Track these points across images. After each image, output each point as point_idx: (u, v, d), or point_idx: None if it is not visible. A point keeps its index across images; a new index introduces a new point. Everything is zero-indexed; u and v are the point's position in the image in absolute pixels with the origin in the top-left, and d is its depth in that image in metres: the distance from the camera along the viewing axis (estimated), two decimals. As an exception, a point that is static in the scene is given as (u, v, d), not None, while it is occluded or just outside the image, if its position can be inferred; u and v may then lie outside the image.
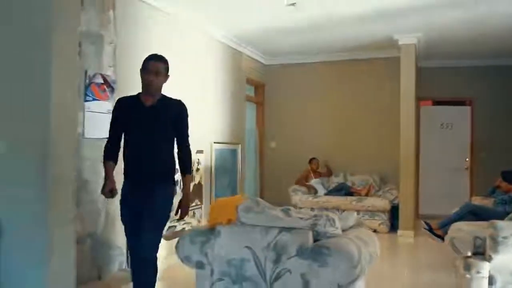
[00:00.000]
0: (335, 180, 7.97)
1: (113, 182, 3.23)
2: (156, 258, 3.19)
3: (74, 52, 2.81)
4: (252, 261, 2.93)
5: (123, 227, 3.33)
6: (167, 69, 3.28)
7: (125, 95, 3.46)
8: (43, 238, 2.49)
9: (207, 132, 6.43)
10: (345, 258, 2.68)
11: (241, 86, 7.69)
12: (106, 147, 3.33)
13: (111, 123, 3.34)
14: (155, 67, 3.20)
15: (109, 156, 3.31)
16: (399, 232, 6.86)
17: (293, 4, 5.51)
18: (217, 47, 6.88)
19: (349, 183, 7.77)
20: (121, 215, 3.33)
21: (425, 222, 5.44)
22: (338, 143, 8.29)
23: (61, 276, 2.55)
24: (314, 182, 7.85)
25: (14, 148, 2.60)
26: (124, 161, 3.28)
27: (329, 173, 8.17)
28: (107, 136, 3.36)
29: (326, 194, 7.58)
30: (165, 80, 3.28)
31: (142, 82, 3.22)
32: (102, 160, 3.30)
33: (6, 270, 2.59)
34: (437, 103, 9.15)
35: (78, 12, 2.97)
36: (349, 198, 7.24)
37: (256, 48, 7.99)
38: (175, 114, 3.30)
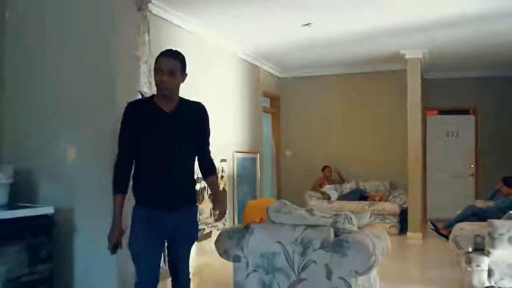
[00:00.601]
0: (348, 186, 8.47)
1: (121, 228, 2.66)
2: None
3: (134, 71, 3.35)
4: (282, 254, 3.45)
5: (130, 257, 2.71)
6: (183, 67, 2.73)
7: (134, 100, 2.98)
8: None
9: (229, 142, 6.97)
10: (362, 250, 3.20)
11: (258, 99, 8.25)
12: (116, 172, 2.66)
13: (122, 137, 2.67)
14: (169, 66, 2.66)
15: (120, 186, 2.65)
16: (408, 234, 7.35)
17: (308, 24, 6.07)
18: (237, 63, 7.45)
19: (361, 188, 8.29)
20: (135, 248, 2.66)
21: (432, 223, 5.93)
22: (350, 151, 8.79)
23: (128, 266, 3.08)
24: (327, 188, 8.36)
25: (88, 155, 3.14)
26: (135, 184, 2.69)
27: (341, 180, 8.67)
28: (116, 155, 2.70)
29: (339, 199, 8.08)
30: (182, 80, 2.73)
31: (155, 83, 2.71)
32: (113, 193, 2.65)
33: (81, 260, 3.13)
34: (443, 112, 9.62)
35: (136, 37, 3.49)
36: (361, 202, 7.74)
37: (272, 63, 8.55)
38: (198, 119, 2.85)
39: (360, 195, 8.03)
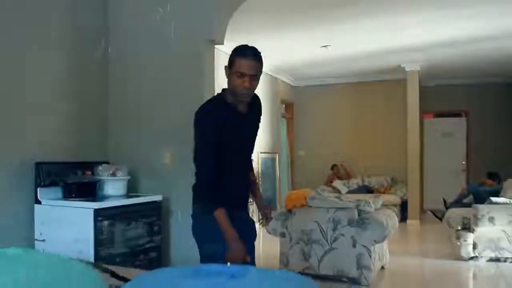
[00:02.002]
0: (355, 181, 9.68)
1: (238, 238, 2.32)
2: None
3: (212, 89, 4.45)
4: (318, 230, 4.65)
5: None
6: (262, 68, 2.46)
7: (206, 104, 2.59)
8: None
9: (256, 144, 8.14)
10: (379, 225, 4.41)
11: (277, 106, 9.44)
12: (212, 187, 2.37)
13: (210, 144, 2.36)
14: (253, 70, 2.38)
15: (220, 199, 2.36)
16: (408, 221, 8.57)
17: (326, 46, 7.28)
18: (262, 77, 8.63)
19: (366, 183, 9.51)
20: (213, 255, 2.35)
21: (429, 210, 7.20)
22: (356, 151, 10.01)
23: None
24: (337, 183, 9.56)
25: (184, 159, 4.31)
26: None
27: (349, 176, 9.88)
28: (203, 167, 2.40)
29: (347, 193, 9.29)
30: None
31: (233, 86, 2.41)
32: (214, 209, 2.34)
33: (175, 233, 4.31)
34: (438, 115, 10.83)
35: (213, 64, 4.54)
36: (368, 195, 8.93)
37: (289, 74, 9.75)
38: (259, 114, 2.71)
39: (367, 190, 9.23)
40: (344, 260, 4.52)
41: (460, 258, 5.50)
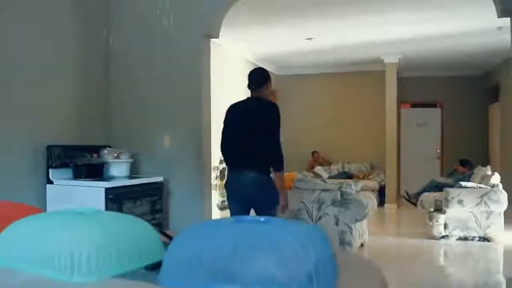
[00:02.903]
0: (335, 167, 10.14)
1: None
2: None
3: (209, 88, 4.82)
4: (304, 209, 5.07)
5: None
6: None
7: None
8: (197, 196, 4.58)
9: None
10: (360, 204, 4.85)
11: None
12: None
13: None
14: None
15: None
16: (386, 205, 9.08)
17: (310, 39, 7.66)
18: (242, 64, 8.99)
19: (346, 169, 9.98)
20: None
21: (402, 196, 7.68)
22: (336, 138, 10.46)
23: (207, 216, 4.65)
24: (318, 169, 10.01)
25: (181, 144, 4.67)
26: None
27: (328, 162, 10.34)
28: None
29: (328, 178, 9.74)
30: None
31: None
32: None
33: (174, 216, 4.68)
34: (414, 105, 11.32)
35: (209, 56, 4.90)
36: (348, 180, 9.41)
37: (273, 64, 10.11)
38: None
39: (346, 176, 9.70)
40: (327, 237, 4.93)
41: (432, 237, 6.01)
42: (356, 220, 4.89)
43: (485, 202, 5.73)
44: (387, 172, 9.22)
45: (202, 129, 4.63)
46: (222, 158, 3.70)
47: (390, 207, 9.04)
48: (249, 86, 3.71)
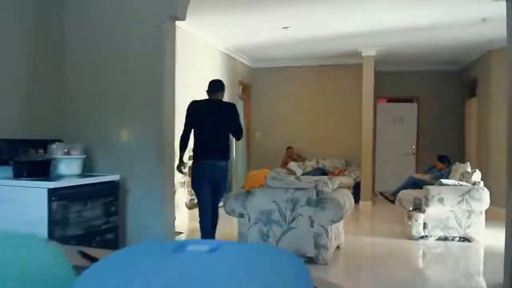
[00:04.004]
0: (309, 164, 9.81)
1: None
2: None
3: (173, 76, 4.36)
4: (277, 210, 4.68)
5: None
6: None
7: None
8: (158, 194, 4.15)
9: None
10: (336, 204, 4.49)
11: (235, 87, 9.38)
12: None
13: None
14: None
15: None
16: (361, 202, 8.79)
17: (286, 28, 7.27)
18: (218, 56, 8.55)
19: (320, 165, 9.67)
20: None
21: (380, 193, 7.39)
22: (311, 133, 10.14)
23: (169, 220, 4.22)
24: (291, 165, 9.66)
25: (141, 138, 4.21)
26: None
27: (302, 158, 10.00)
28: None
29: (303, 175, 9.41)
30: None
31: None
32: None
33: (133, 219, 4.23)
34: (391, 100, 11.11)
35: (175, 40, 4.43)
36: (322, 177, 9.09)
37: (247, 55, 9.69)
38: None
39: (321, 172, 9.38)
40: (302, 240, 4.58)
41: (411, 237, 5.71)
42: (333, 222, 4.53)
43: (466, 201, 5.46)
44: (362, 168, 8.94)
45: (165, 122, 4.18)
46: (179, 149, 4.56)
47: (365, 204, 8.75)
48: (208, 92, 4.61)
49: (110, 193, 3.92)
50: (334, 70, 10.04)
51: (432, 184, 6.23)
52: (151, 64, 4.16)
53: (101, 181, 3.87)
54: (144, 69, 4.20)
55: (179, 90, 5.67)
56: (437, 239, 5.67)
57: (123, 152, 4.26)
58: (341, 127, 9.99)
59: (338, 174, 9.27)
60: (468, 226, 5.55)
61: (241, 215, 4.86)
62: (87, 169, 4.18)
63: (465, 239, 5.60)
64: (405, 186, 6.87)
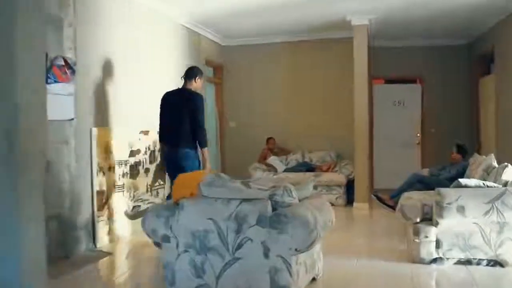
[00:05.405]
0: (294, 157, 8.20)
1: None
2: None
3: (39, 34, 2.81)
4: (215, 232, 3.09)
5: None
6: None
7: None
8: (12, 210, 2.54)
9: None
10: (302, 225, 2.88)
11: (200, 67, 7.71)
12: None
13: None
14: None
15: None
16: (355, 204, 7.19)
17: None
18: (175, 30, 6.92)
19: (307, 159, 8.06)
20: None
21: (375, 195, 5.75)
22: (296, 121, 8.51)
23: (33, 248, 2.62)
24: (271, 160, 8.06)
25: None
26: None
27: (285, 151, 8.39)
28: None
29: (285, 171, 7.81)
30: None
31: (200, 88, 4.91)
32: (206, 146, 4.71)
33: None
34: (389, 81, 9.49)
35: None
36: (307, 173, 7.49)
37: (214, 30, 8.06)
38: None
39: (307, 168, 7.78)
40: (252, 276, 3.00)
41: (419, 260, 4.09)
42: (297, 251, 2.93)
43: (497, 209, 3.83)
44: (356, 163, 7.31)
45: (18, 103, 2.56)
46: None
47: (360, 207, 7.14)
48: (183, 78, 4.81)
49: None
50: (319, 46, 8.39)
51: (444, 185, 4.63)
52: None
53: None
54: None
55: (128, 71, 5.44)
56: (456, 263, 4.05)
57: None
58: (331, 113, 8.37)
59: (327, 170, 7.66)
60: (500, 245, 3.93)
61: (166, 239, 3.26)
62: None
63: (495, 262, 3.98)
64: (408, 187, 5.25)
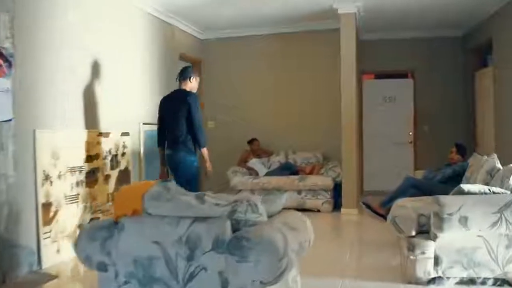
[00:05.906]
0: (277, 159, 7.58)
1: None
2: None
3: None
4: (161, 258, 2.45)
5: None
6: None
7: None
8: None
9: (135, 113, 5.89)
10: (268, 251, 2.25)
11: (173, 63, 7.10)
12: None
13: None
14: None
15: None
16: (343, 210, 6.59)
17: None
18: (145, 20, 6.29)
19: (291, 161, 7.45)
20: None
21: (364, 203, 5.16)
22: (279, 120, 7.90)
23: None
24: (253, 162, 7.45)
25: None
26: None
27: (269, 153, 7.77)
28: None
29: (267, 175, 7.19)
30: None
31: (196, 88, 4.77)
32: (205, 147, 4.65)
33: None
34: (379, 76, 8.92)
35: None
36: (291, 177, 6.87)
37: (190, 22, 7.43)
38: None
39: (291, 171, 7.15)
40: None
41: (414, 280, 3.50)
42: (263, 284, 2.30)
43: (506, 220, 3.24)
44: (344, 164, 6.70)
45: None
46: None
47: (348, 212, 6.53)
48: (177, 79, 4.72)
49: None
50: (304, 38, 7.79)
51: (441, 188, 4.04)
52: None
53: None
54: None
55: (84, 62, 4.98)
56: (457, 283, 3.45)
57: None
58: (317, 111, 7.76)
59: (311, 172, 7.06)
60: (509, 262, 3.34)
61: (102, 267, 2.62)
62: None
63: (503, 281, 3.39)
64: (401, 193, 4.64)
